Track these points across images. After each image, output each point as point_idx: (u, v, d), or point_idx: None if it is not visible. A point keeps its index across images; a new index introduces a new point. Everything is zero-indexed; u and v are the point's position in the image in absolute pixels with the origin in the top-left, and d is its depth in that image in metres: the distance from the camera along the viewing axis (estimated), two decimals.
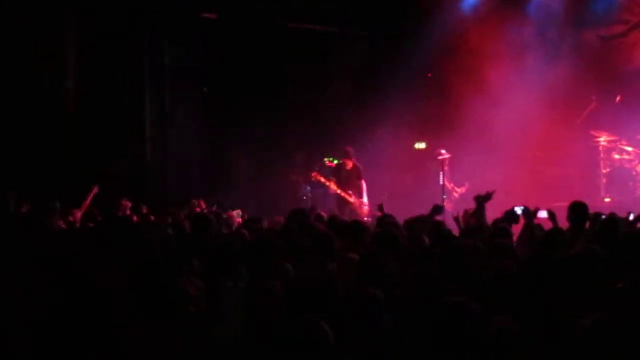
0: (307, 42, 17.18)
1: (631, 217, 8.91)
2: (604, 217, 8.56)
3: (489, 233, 8.15)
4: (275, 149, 16.92)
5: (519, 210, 8.68)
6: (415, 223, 8.91)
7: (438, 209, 9.59)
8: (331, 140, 16.97)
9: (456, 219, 9.91)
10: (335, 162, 16.26)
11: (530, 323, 4.59)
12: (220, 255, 6.53)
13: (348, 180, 14.89)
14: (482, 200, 9.11)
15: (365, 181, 14.95)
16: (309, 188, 16.45)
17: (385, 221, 9.32)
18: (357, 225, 8.64)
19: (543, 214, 8.82)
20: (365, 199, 14.82)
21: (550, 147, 16.18)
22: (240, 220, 12.13)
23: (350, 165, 14.97)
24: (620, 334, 3.98)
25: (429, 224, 8.81)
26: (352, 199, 14.66)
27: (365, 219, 13.61)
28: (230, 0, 16.71)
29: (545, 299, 4.88)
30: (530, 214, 8.55)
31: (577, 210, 8.30)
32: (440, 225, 8.73)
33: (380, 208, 11.12)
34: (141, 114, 15.97)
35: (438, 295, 5.03)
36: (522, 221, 8.71)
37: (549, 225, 8.44)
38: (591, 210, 8.63)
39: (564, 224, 8.34)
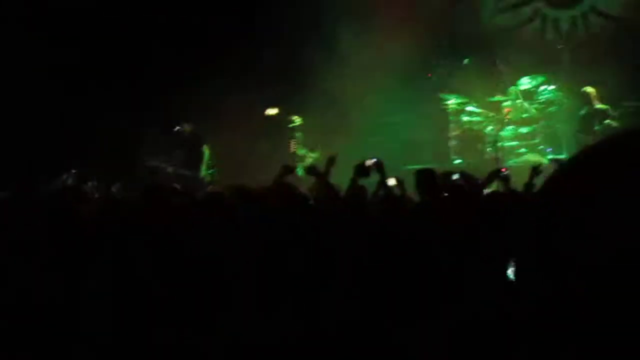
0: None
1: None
2: (455, 177, 8.45)
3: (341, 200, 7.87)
4: (124, 117, 16.18)
5: (369, 162, 8.25)
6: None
7: (288, 169, 9.18)
8: (181, 109, 16.42)
9: (310, 189, 9.59)
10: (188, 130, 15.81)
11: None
12: (79, 239, 6.02)
13: (190, 149, 14.54)
14: (327, 165, 8.67)
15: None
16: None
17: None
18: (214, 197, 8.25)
19: (392, 181, 8.60)
20: (202, 168, 14.48)
21: (402, 112, 16.20)
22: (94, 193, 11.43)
23: (188, 131, 14.60)
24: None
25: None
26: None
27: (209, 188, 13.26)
28: None
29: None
30: (381, 166, 8.16)
31: (423, 177, 8.14)
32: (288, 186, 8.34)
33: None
34: None
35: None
36: None
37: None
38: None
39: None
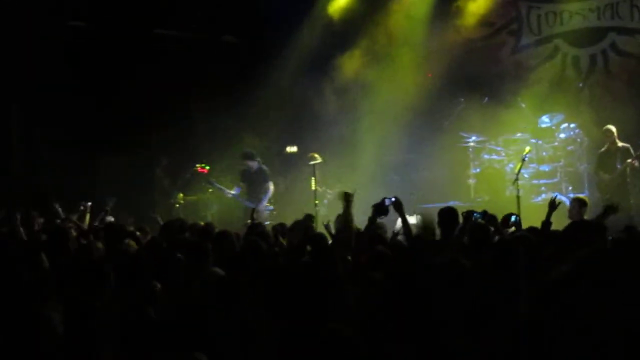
0: (175, 48, 16.58)
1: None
2: (476, 214, 8.38)
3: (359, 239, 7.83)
4: (140, 153, 16.25)
5: (388, 201, 8.12)
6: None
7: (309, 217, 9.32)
8: (199, 146, 16.50)
9: (326, 226, 9.56)
10: (207, 167, 15.85)
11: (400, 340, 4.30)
12: (91, 272, 6.01)
13: (254, 183, 14.60)
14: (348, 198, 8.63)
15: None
16: (180, 194, 15.98)
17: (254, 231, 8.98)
18: (224, 234, 8.24)
19: (413, 220, 8.52)
20: (264, 203, 14.51)
21: (420, 150, 16.14)
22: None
23: (254, 167, 14.68)
24: None
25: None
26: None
27: (267, 222, 13.22)
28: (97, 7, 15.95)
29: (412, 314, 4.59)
30: (400, 205, 8.04)
31: (446, 215, 8.09)
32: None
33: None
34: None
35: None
36: None
37: None
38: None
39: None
